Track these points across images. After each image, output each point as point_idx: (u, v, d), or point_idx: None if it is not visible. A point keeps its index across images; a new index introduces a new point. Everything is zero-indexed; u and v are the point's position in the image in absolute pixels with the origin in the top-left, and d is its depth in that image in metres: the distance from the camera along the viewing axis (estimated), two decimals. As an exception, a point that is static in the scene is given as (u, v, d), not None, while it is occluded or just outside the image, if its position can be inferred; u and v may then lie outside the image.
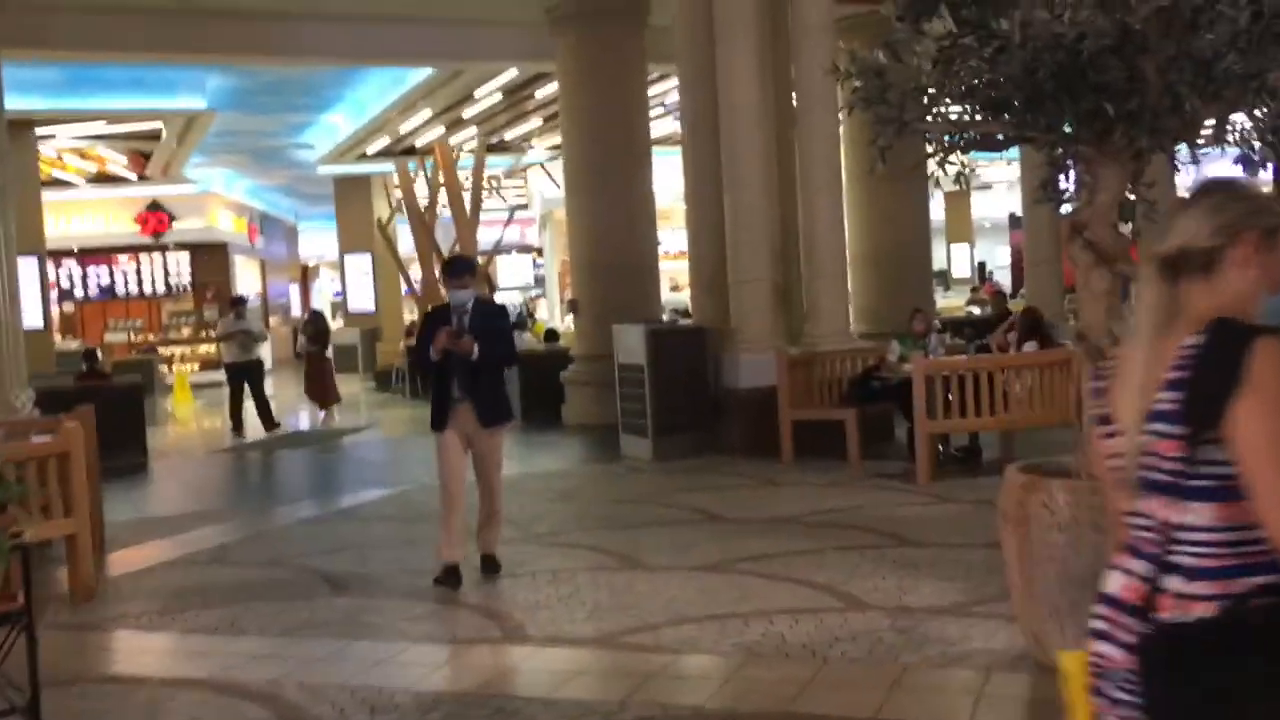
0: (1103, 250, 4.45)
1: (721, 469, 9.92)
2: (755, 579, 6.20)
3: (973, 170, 5.25)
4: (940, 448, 9.56)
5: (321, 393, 16.32)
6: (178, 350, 28.42)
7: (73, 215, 27.81)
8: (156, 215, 28.07)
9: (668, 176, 16.99)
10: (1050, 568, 4.38)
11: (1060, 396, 8.63)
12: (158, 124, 18.41)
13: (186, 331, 28.76)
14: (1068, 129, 4.36)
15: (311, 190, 29.96)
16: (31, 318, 17.31)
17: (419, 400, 19.27)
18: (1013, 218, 33.61)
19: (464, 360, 6.20)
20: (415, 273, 21.42)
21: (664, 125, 19.54)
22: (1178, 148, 4.45)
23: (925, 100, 4.48)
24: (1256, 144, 4.19)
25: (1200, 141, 4.36)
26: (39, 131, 18.27)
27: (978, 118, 4.57)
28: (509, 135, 22.05)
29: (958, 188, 22.22)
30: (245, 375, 15.00)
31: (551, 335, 16.33)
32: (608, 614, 5.68)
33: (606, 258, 13.75)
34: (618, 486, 9.54)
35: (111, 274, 29.35)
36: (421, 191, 20.98)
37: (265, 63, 14.99)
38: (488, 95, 18.14)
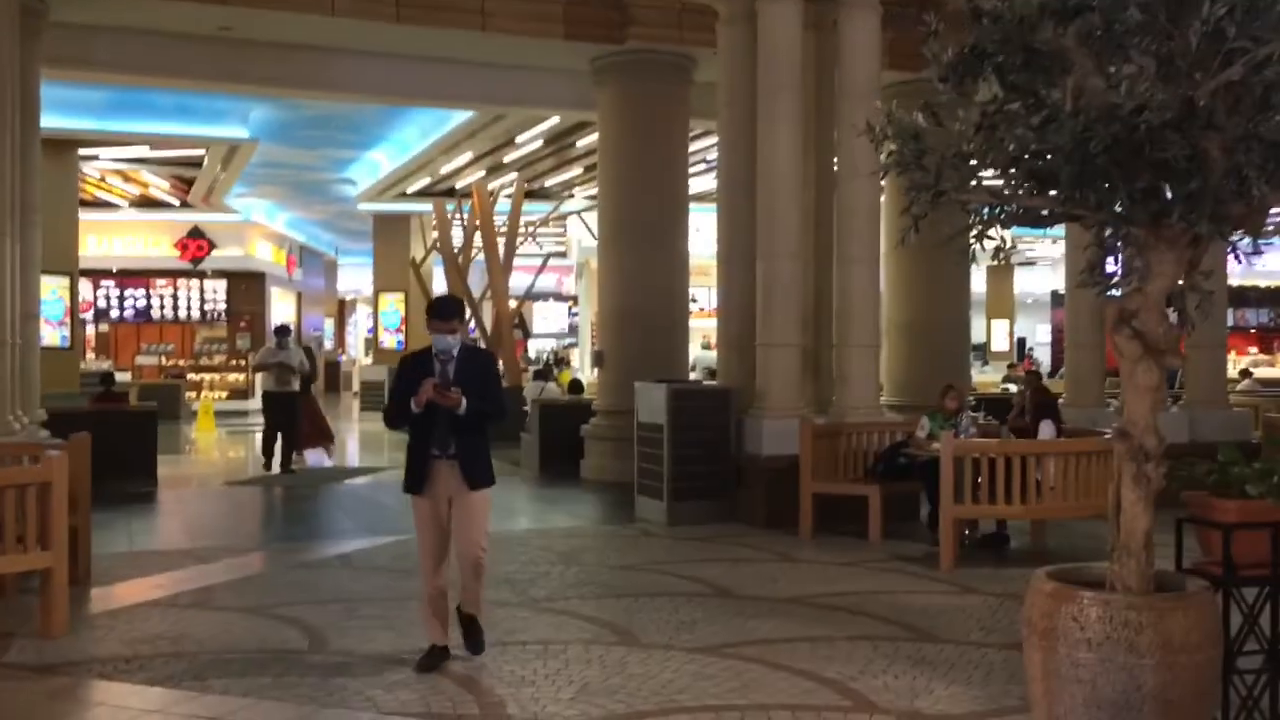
0: (1152, 342, 4.09)
1: (737, 539, 9.52)
2: (758, 666, 5.79)
3: (1013, 246, 4.94)
4: (966, 532, 9.12)
5: (312, 434, 15.48)
6: (207, 377, 28.37)
7: (114, 236, 28.01)
8: (196, 242, 28.20)
9: (706, 231, 16.79)
10: (1077, 689, 3.97)
11: (1096, 488, 8.19)
12: (201, 151, 18.42)
13: (218, 359, 28.70)
14: (1119, 208, 4.01)
15: (351, 226, 30.04)
16: (59, 337, 17.26)
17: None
18: (1055, 295, 33.13)
19: (448, 413, 5.60)
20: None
21: (705, 181, 19.36)
22: (1239, 235, 4.10)
23: (966, 168, 4.14)
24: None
25: (1268, 228, 3.98)
26: (82, 152, 18.34)
27: (1021, 191, 4.23)
28: (550, 182, 21.95)
29: (996, 263, 21.73)
30: (280, 407, 14.30)
31: (576, 386, 16.02)
32: (596, 695, 5.29)
33: (635, 311, 13.48)
34: (626, 551, 9.15)
35: (148, 296, 29.48)
36: (458, 233, 20.87)
37: (306, 96, 14.90)
38: (530, 141, 18.03)
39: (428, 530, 5.83)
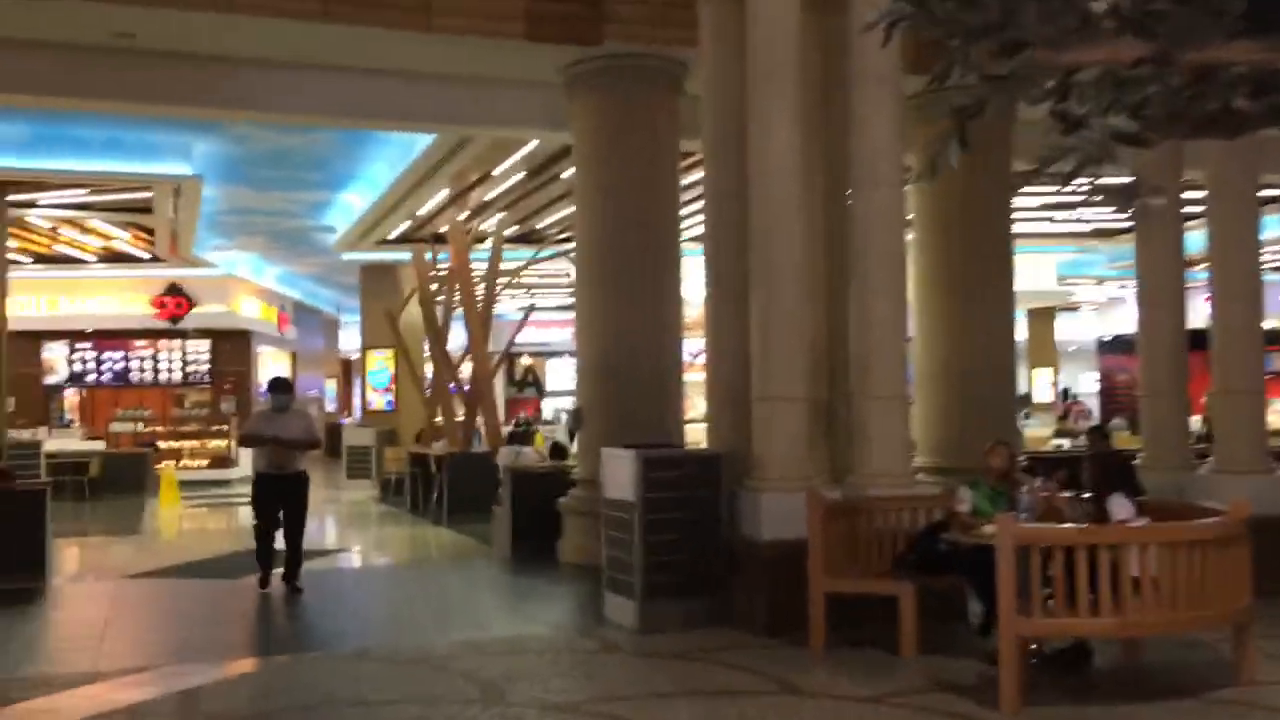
0: None
1: (726, 655, 7.24)
2: None
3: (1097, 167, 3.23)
4: (1034, 646, 6.80)
5: None
6: (187, 444, 26.42)
7: (86, 295, 26.27)
8: (175, 299, 26.36)
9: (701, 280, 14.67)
10: None
11: (1216, 590, 5.90)
12: (147, 194, 16.56)
13: (196, 425, 26.73)
14: None
15: (346, 280, 28.12)
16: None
17: (419, 516, 16.85)
18: (1102, 342, 30.71)
19: None
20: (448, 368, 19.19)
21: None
22: None
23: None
24: None
25: None
26: (14, 197, 16.51)
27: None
28: (543, 223, 19.90)
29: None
30: (277, 495, 9.91)
31: (558, 451, 13.80)
32: None
33: (617, 363, 11.33)
34: (576, 677, 6.90)
35: (126, 359, 27.63)
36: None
37: (231, 116, 12.94)
38: (508, 174, 16.03)
39: None
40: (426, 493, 17.21)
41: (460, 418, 17.50)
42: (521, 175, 16.21)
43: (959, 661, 6.84)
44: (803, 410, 8.13)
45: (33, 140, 14.59)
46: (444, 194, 17.14)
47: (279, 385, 10.24)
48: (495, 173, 15.94)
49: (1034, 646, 6.68)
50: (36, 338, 27.20)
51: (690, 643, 7.54)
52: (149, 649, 8.13)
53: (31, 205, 17.28)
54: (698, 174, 15.00)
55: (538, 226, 20.02)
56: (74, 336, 27.18)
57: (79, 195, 16.79)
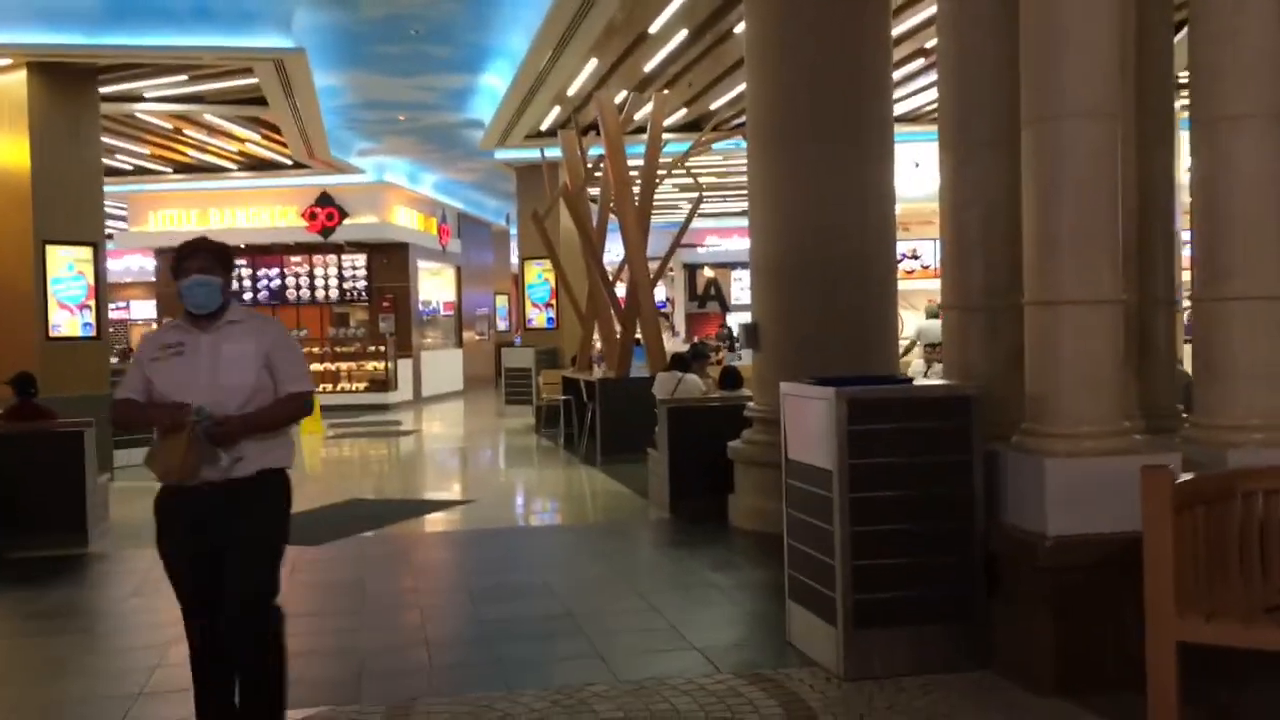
0: None
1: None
2: None
3: None
4: None
5: None
6: (344, 366, 24.71)
7: (236, 208, 24.68)
8: (326, 210, 24.51)
9: (928, 166, 11.38)
10: None
11: None
12: (252, 79, 14.24)
13: (354, 347, 24.95)
14: None
15: (505, 187, 25.66)
16: (79, 324, 13.51)
17: (571, 452, 14.29)
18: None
19: None
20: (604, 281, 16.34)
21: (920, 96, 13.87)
22: None
23: None
24: None
25: None
26: (109, 90, 14.46)
27: None
28: (719, 101, 16.72)
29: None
30: (196, 541, 3.99)
31: (730, 377, 10.76)
32: None
33: (808, 261, 8.29)
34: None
35: (283, 276, 26.06)
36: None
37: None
38: (667, 33, 12.94)
39: None
40: (581, 423, 14.64)
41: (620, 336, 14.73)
42: (684, 35, 13.09)
43: None
44: (1109, 319, 4.89)
45: (112, 11, 12.40)
46: (593, 66, 14.19)
47: (189, 252, 4.07)
48: (651, 30, 12.87)
49: None
50: (190, 255, 25.87)
51: (927, 702, 4.56)
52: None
53: (137, 98, 15.23)
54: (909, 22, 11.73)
55: (712, 107, 16.86)
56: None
57: (179, 82, 14.60)
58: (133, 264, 31.55)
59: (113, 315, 37.44)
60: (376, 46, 14.21)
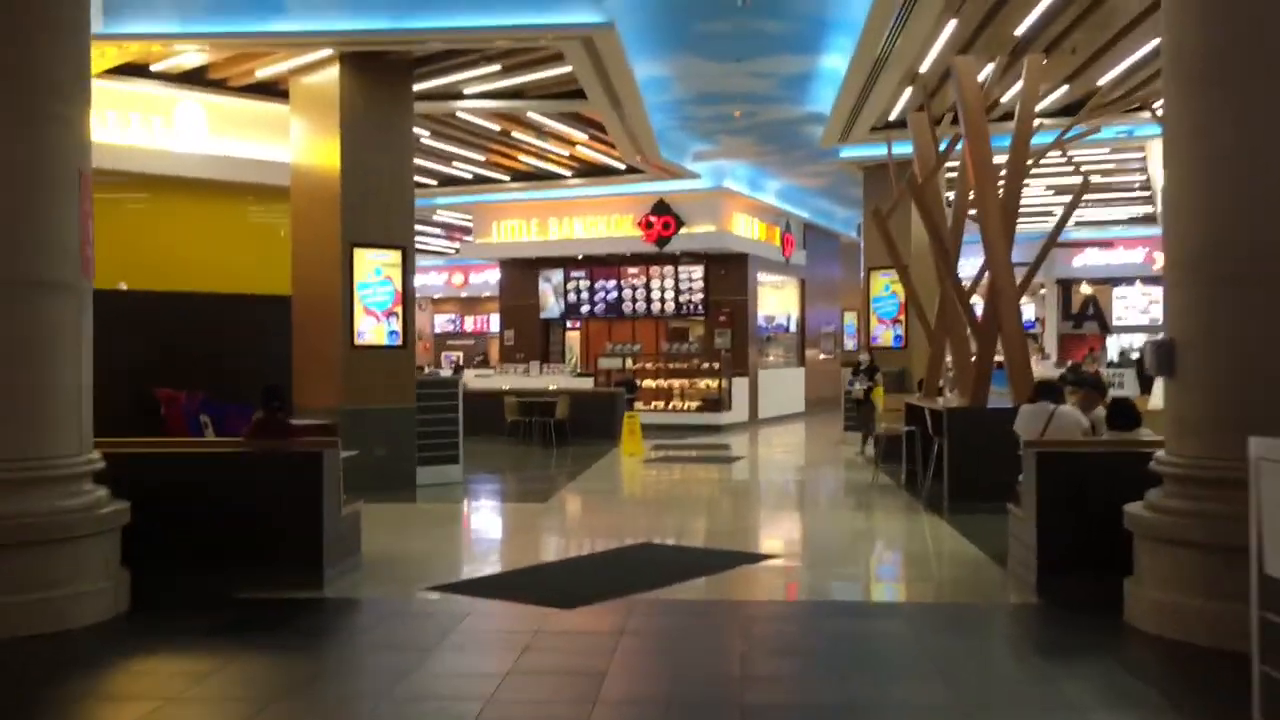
0: None
1: None
2: None
3: None
4: None
5: None
6: (676, 383, 23.41)
7: (573, 217, 24.08)
8: (662, 219, 23.35)
9: None
10: None
11: None
12: (565, 68, 13.01)
13: (687, 363, 23.59)
14: None
15: (853, 192, 23.45)
16: (385, 332, 12.81)
17: (913, 495, 11.97)
18: None
19: None
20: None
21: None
22: None
23: None
24: None
25: None
26: (427, 85, 13.73)
27: None
28: (1112, 73, 13.76)
29: None
30: None
31: (1122, 415, 8.02)
32: None
33: (1259, 252, 5.68)
34: None
35: (619, 288, 25.20)
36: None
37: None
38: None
39: None
40: (925, 458, 12.27)
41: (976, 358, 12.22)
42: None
43: None
44: None
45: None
46: (950, 28, 11.80)
47: None
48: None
49: None
50: (533, 266, 25.62)
51: None
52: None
53: (455, 94, 14.46)
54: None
55: (1100, 82, 13.92)
56: (567, 264, 25.25)
57: (494, 74, 13.62)
58: (491, 277, 31.84)
59: (469, 328, 39.07)
60: (699, 24, 12.57)
